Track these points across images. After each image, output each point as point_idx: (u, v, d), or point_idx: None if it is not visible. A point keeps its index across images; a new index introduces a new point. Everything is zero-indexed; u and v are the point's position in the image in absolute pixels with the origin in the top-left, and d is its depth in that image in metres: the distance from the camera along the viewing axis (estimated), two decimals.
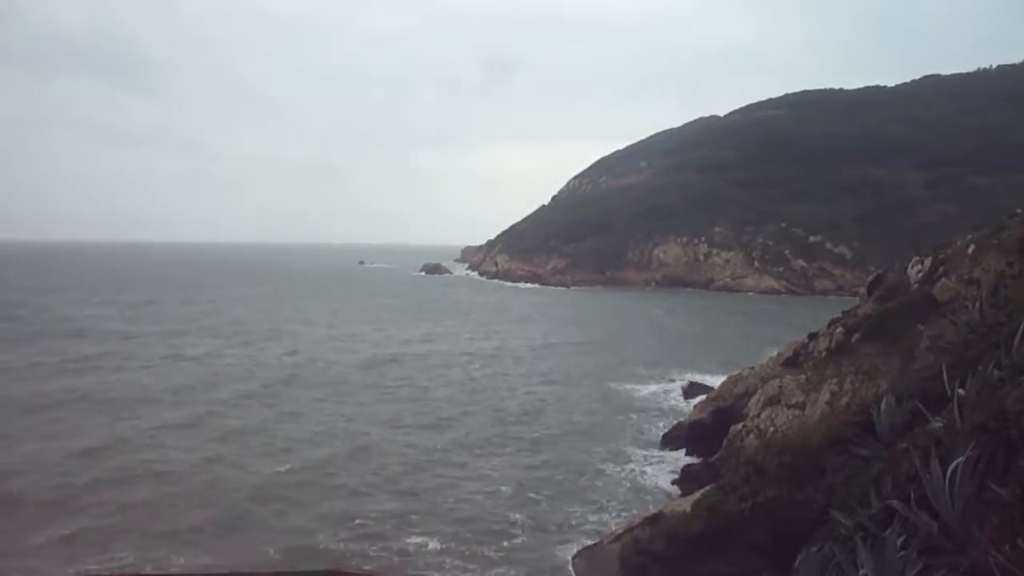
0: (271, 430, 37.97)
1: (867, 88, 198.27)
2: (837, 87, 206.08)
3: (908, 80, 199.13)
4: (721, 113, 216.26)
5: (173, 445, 34.48)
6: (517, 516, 26.78)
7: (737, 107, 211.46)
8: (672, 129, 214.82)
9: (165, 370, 52.94)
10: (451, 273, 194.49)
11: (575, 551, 22.49)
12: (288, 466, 31.87)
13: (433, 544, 24.03)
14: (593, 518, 26.86)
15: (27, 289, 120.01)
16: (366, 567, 20.13)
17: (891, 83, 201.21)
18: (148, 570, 20.86)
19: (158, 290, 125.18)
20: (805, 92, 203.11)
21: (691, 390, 47.15)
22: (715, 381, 46.33)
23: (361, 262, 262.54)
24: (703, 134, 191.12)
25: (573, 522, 26.44)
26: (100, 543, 23.11)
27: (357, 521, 25.95)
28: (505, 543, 24.34)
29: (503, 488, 29.91)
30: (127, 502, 27.02)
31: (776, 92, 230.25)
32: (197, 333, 72.24)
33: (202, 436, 36.38)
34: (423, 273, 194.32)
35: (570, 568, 21.51)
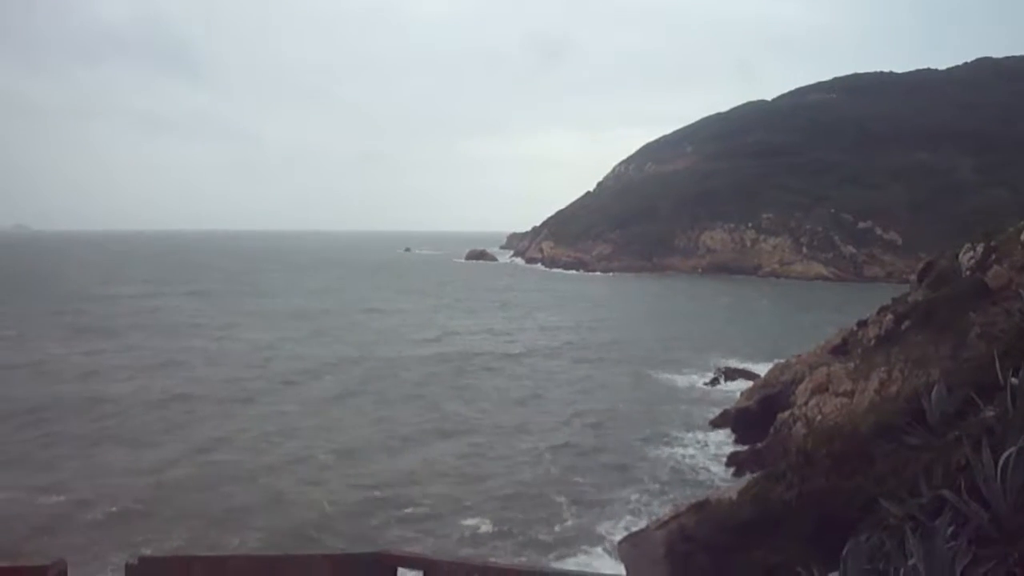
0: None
1: (918, 71, 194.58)
2: (887, 70, 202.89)
3: (960, 63, 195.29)
4: (769, 97, 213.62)
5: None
6: (564, 500, 26.97)
7: (786, 91, 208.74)
8: (719, 114, 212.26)
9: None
10: (496, 260, 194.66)
11: (621, 536, 22.53)
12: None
13: (485, 527, 24.34)
14: (638, 503, 26.93)
15: (95, 282, 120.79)
16: (416, 549, 20.36)
17: (943, 66, 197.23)
18: (199, 552, 21.24)
19: (219, 280, 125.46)
20: (855, 75, 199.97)
21: (737, 377, 46.90)
22: (762, 369, 46.00)
23: (407, 249, 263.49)
24: (751, 118, 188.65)
25: (618, 507, 26.54)
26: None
27: (408, 507, 26.29)
28: (555, 527, 24.60)
29: (552, 472, 30.14)
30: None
31: (825, 75, 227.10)
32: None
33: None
34: (468, 260, 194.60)
35: (616, 553, 21.54)
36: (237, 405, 40.16)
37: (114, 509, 25.19)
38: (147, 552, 22.34)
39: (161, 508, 25.48)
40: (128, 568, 5.27)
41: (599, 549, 22.94)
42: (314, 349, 57.11)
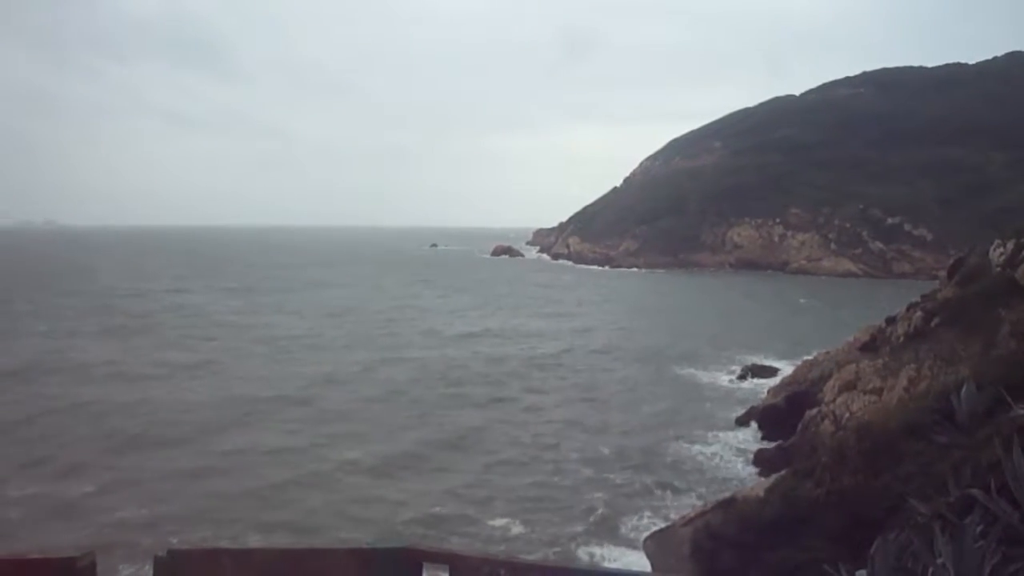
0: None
1: (947, 65, 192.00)
2: (916, 64, 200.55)
3: (990, 57, 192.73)
4: (797, 92, 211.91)
5: None
6: (590, 498, 26.99)
7: (814, 85, 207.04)
8: (747, 109, 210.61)
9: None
10: (522, 256, 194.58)
11: (647, 533, 22.54)
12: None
13: (517, 528, 24.54)
14: (664, 501, 26.90)
15: (130, 278, 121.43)
16: (443, 545, 20.45)
17: (972, 60, 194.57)
18: (226, 544, 21.42)
19: (252, 276, 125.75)
20: (884, 70, 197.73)
21: (764, 374, 46.68)
22: (789, 365, 45.83)
23: (434, 245, 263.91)
24: (779, 113, 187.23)
25: (644, 504, 26.52)
26: None
27: (436, 506, 26.44)
28: (579, 526, 24.63)
29: (580, 470, 30.17)
30: None
31: (854, 70, 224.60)
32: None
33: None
34: (495, 256, 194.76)
35: (642, 550, 21.55)
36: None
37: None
38: (175, 544, 22.74)
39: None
40: (157, 560, 5.31)
41: (625, 546, 22.92)
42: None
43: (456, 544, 22.28)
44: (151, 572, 5.26)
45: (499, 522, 24.99)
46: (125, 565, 19.90)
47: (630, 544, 22.80)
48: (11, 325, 63.55)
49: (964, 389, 11.74)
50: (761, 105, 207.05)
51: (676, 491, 27.84)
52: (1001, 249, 28.90)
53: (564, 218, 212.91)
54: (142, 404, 38.84)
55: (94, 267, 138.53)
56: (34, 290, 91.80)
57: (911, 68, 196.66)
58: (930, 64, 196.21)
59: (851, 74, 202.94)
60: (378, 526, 24.10)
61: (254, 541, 22.18)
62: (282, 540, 22.33)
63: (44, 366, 47.42)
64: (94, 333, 60.95)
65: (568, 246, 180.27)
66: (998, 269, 28.19)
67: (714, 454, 32.38)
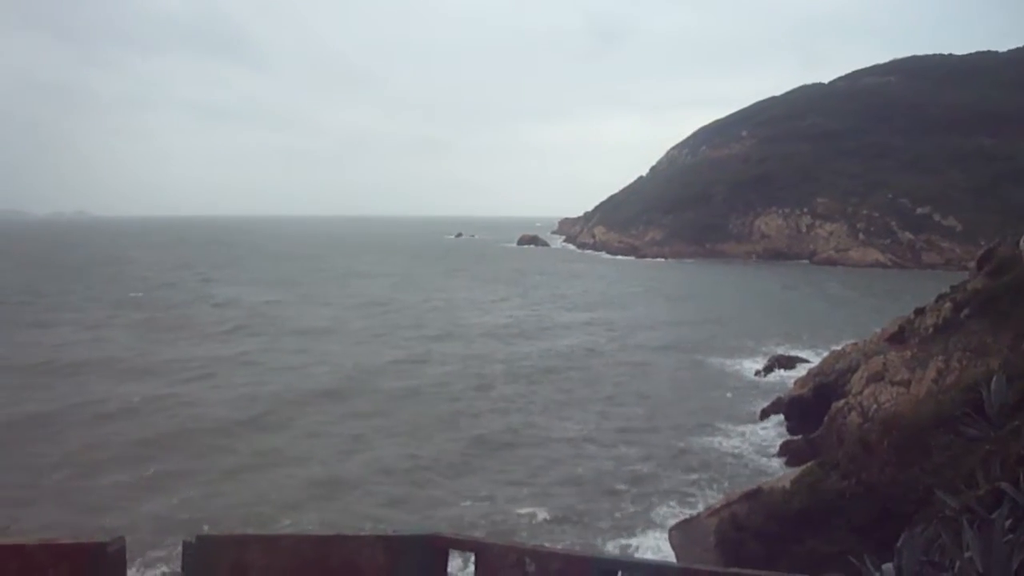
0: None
1: (978, 53, 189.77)
2: (946, 52, 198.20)
3: (1021, 45, 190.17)
4: (826, 80, 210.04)
5: None
6: (615, 488, 27.06)
7: (842, 73, 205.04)
8: (775, 97, 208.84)
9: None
10: (548, 245, 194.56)
11: (672, 523, 22.52)
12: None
13: (543, 514, 24.72)
14: (689, 491, 26.90)
15: (170, 267, 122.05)
16: (468, 533, 20.58)
17: (1003, 48, 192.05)
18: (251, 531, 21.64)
19: (285, 267, 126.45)
20: (913, 58, 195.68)
21: (790, 364, 46.43)
22: (816, 356, 45.56)
23: (459, 234, 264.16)
24: (807, 102, 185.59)
25: (669, 494, 26.54)
26: None
27: (465, 499, 26.58)
28: (604, 516, 24.69)
29: (604, 461, 30.23)
30: None
31: (883, 58, 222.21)
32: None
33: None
34: (520, 245, 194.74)
35: (666, 540, 21.55)
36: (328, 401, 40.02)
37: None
38: (205, 530, 22.97)
39: None
40: (185, 546, 5.40)
41: (649, 536, 22.96)
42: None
43: (481, 531, 22.40)
44: (180, 557, 5.36)
45: (525, 510, 25.13)
46: (154, 551, 20.14)
47: (655, 534, 22.83)
48: (43, 316, 64.23)
49: (994, 381, 11.62)
50: (789, 93, 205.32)
51: (699, 481, 27.83)
52: None
53: (590, 207, 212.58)
54: (170, 398, 39.12)
55: (127, 258, 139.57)
56: (66, 281, 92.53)
57: (941, 56, 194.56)
58: (960, 52, 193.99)
59: (880, 62, 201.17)
60: (407, 517, 24.37)
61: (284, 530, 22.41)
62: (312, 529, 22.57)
63: (77, 359, 47.74)
64: (124, 325, 61.36)
65: (593, 235, 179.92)
66: None
67: (739, 445, 32.30)
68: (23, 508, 24.16)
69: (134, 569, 18.54)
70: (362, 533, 5.29)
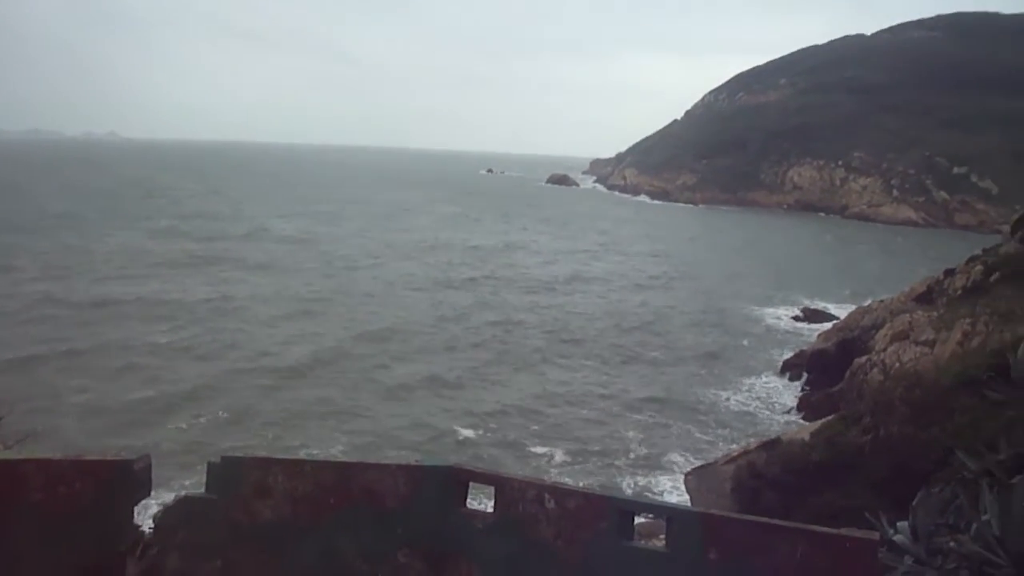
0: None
1: None
2: (993, 11, 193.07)
3: None
4: (868, 32, 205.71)
5: None
6: (633, 433, 27.26)
7: (885, 23, 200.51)
8: (816, 46, 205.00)
9: None
10: (578, 185, 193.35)
11: (688, 469, 22.70)
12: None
13: (559, 456, 25.15)
14: (707, 438, 27.12)
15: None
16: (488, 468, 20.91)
17: None
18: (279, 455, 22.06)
19: (330, 201, 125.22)
20: (959, 14, 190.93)
21: (815, 318, 46.28)
22: (843, 311, 45.35)
23: (489, 170, 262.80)
24: (848, 53, 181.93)
25: (688, 441, 26.74)
26: None
27: (485, 430, 27.06)
28: (622, 458, 24.97)
29: (623, 404, 30.43)
30: None
31: (928, 12, 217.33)
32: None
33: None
34: (549, 184, 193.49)
35: (682, 485, 21.74)
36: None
37: None
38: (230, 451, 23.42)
39: None
40: (210, 466, 5.52)
41: (666, 480, 23.19)
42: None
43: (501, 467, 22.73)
44: (204, 477, 5.48)
45: (542, 449, 25.54)
46: (181, 471, 20.47)
47: (672, 479, 23.09)
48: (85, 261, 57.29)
49: (1021, 347, 11.56)
50: (830, 43, 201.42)
51: (718, 429, 28.05)
52: None
53: (623, 148, 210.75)
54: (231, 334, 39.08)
55: (165, 185, 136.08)
56: (107, 212, 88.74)
57: (988, 14, 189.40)
58: (1007, 11, 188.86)
59: (925, 16, 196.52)
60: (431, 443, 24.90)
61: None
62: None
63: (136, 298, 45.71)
64: (174, 263, 58.45)
65: (624, 177, 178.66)
66: None
67: (760, 395, 32.44)
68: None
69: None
70: (384, 461, 5.37)
